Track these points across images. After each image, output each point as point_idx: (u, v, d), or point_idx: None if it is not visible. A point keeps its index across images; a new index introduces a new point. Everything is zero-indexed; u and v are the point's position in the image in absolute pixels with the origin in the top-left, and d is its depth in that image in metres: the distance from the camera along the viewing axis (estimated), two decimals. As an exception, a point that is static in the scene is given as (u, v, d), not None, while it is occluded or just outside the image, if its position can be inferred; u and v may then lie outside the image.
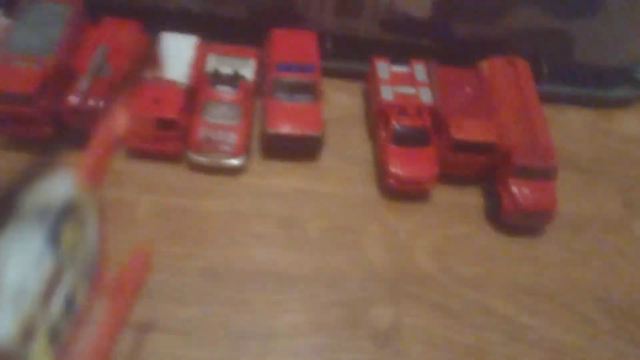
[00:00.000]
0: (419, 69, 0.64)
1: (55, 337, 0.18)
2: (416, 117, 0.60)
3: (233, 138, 0.58)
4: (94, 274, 0.20)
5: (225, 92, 0.60)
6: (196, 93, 0.60)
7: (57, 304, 0.18)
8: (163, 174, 0.58)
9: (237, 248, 0.55)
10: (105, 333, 0.20)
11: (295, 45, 0.64)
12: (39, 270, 0.18)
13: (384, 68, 0.64)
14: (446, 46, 0.68)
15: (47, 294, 0.18)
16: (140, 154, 0.58)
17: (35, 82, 0.53)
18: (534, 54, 0.69)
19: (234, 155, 0.58)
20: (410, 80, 0.63)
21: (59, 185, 0.20)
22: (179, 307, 0.50)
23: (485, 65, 0.66)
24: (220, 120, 0.59)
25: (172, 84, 0.59)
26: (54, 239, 0.19)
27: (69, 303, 0.18)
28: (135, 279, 0.22)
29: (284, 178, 0.60)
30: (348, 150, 0.63)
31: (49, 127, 0.56)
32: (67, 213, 0.19)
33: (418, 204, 0.60)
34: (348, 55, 0.68)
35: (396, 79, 0.63)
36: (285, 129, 0.59)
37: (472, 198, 0.62)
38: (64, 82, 0.57)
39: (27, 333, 0.17)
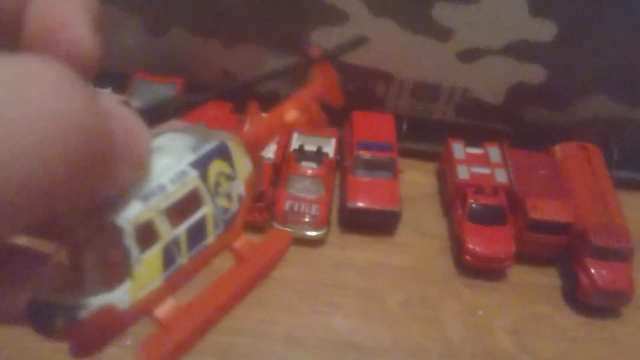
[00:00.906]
0: (493, 151, 0.67)
1: (169, 260, 0.17)
2: (493, 196, 0.62)
3: (316, 210, 0.61)
4: (228, 228, 0.19)
5: (310, 167, 0.64)
6: (281, 168, 0.65)
7: (182, 229, 0.17)
8: (248, 242, 0.61)
9: (318, 317, 0.56)
10: (219, 291, 0.19)
11: (374, 125, 0.68)
12: (180, 183, 0.17)
13: (459, 149, 0.67)
14: (518, 131, 0.71)
15: (177, 213, 0.17)
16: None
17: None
18: (605, 140, 0.71)
19: (317, 226, 0.61)
20: (485, 161, 0.66)
21: (219, 133, 0.20)
22: (263, 372, 0.51)
23: (557, 150, 0.68)
24: (304, 193, 0.63)
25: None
26: (201, 165, 0.18)
27: (195, 236, 0.18)
28: (270, 253, 0.20)
29: (362, 251, 0.62)
30: (423, 227, 0.66)
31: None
32: (219, 153, 0.19)
33: (495, 282, 0.61)
34: (422, 136, 0.72)
35: (471, 160, 0.66)
36: (365, 203, 0.62)
37: (548, 278, 0.62)
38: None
39: (144, 231, 0.16)
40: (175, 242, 0.17)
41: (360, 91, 0.70)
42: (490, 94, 0.69)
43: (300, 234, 0.61)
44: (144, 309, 0.17)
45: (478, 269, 0.60)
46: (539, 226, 0.60)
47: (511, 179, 0.64)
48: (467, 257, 0.59)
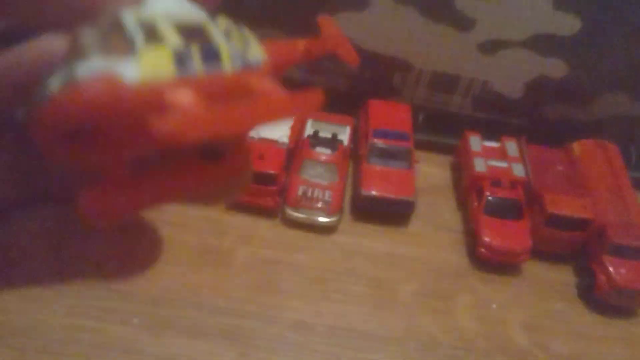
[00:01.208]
0: (510, 146, 0.66)
1: (180, 63, 0.15)
2: (510, 189, 0.61)
3: (329, 197, 0.60)
4: (247, 67, 0.16)
5: (324, 153, 0.63)
6: (295, 154, 0.64)
7: (193, 46, 0.15)
8: (259, 227, 0.60)
9: (328, 304, 0.55)
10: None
11: (390, 115, 0.67)
12: (187, 12, 0.16)
13: (476, 142, 0.66)
14: (535, 126, 0.70)
15: (184, 31, 0.15)
16: (240, 207, 0.61)
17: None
18: (624, 140, 0.69)
19: (329, 213, 0.60)
20: (502, 155, 0.65)
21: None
22: (271, 355, 0.50)
23: (575, 147, 0.67)
24: (318, 179, 0.61)
25: (274, 143, 0.62)
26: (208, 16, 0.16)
27: (208, 55, 0.15)
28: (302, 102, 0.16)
29: (374, 240, 0.61)
30: (437, 219, 0.64)
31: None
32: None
33: (509, 276, 0.59)
34: (438, 129, 0.70)
35: (488, 153, 0.65)
36: (379, 191, 0.61)
37: (563, 275, 0.61)
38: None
39: (148, 29, 0.15)
40: (185, 52, 0.15)
41: (376, 80, 0.69)
42: (509, 88, 0.68)
43: (312, 219, 0.60)
44: (154, 91, 0.14)
45: (492, 263, 0.59)
46: (556, 221, 0.58)
47: (529, 173, 0.63)
48: (482, 250, 0.58)
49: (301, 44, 0.21)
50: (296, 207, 0.60)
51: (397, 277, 0.58)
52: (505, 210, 0.60)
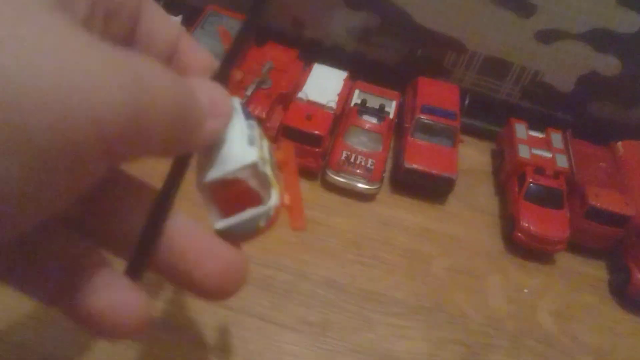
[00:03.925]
0: (556, 137, 0.65)
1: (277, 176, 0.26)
2: (553, 179, 0.60)
3: (371, 165, 0.60)
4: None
5: (370, 122, 0.63)
6: (341, 120, 0.64)
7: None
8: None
9: (361, 267, 0.55)
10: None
11: (439, 93, 0.67)
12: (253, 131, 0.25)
13: (521, 130, 0.65)
14: (579, 122, 0.70)
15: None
16: (281, 165, 0.61)
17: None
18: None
19: (370, 180, 0.60)
20: (547, 145, 0.64)
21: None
22: (301, 309, 0.50)
23: (619, 146, 0.66)
24: (362, 147, 0.62)
25: (322, 107, 0.63)
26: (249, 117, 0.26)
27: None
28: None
29: (411, 213, 0.61)
30: (474, 201, 0.64)
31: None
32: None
33: (543, 264, 0.59)
34: (482, 114, 0.70)
35: (533, 142, 0.64)
36: (422, 165, 0.61)
37: (596, 270, 0.60)
38: (228, 88, 0.61)
39: (263, 160, 0.24)
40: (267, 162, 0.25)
41: (428, 58, 0.69)
42: (560, 80, 0.68)
43: (352, 185, 0.60)
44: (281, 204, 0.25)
45: (528, 249, 0.59)
46: (596, 214, 0.58)
47: (572, 165, 0.63)
48: (519, 235, 0.58)
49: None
50: (338, 171, 0.60)
51: (430, 251, 0.58)
52: (546, 199, 0.60)
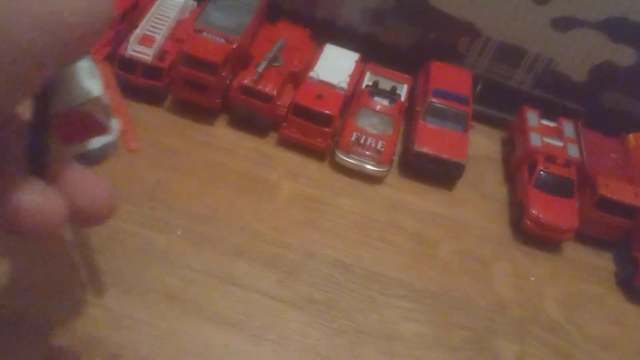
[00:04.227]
0: (567, 126, 0.65)
1: None
2: (563, 167, 0.60)
3: (381, 147, 0.60)
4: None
5: (382, 104, 0.62)
6: (352, 101, 0.63)
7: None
8: (308, 166, 0.60)
9: (368, 249, 0.55)
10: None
11: (451, 78, 0.66)
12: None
13: (533, 118, 0.65)
14: (591, 112, 0.69)
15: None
16: (291, 144, 0.61)
17: (222, 54, 0.57)
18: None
19: (379, 163, 0.59)
20: (558, 134, 0.64)
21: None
22: (308, 288, 0.50)
23: (631, 138, 0.66)
24: (372, 128, 0.61)
25: (333, 87, 0.62)
26: None
27: None
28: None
29: (419, 197, 0.61)
30: (483, 188, 0.64)
31: (219, 100, 0.59)
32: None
33: (550, 253, 0.59)
34: (494, 101, 0.70)
35: (545, 131, 0.64)
36: (432, 149, 0.60)
37: (603, 261, 0.60)
38: (239, 64, 0.61)
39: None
40: None
41: (441, 43, 0.68)
42: (573, 69, 0.67)
43: (361, 166, 0.59)
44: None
45: (536, 236, 0.58)
46: (606, 205, 0.58)
47: (583, 155, 0.62)
48: (528, 222, 0.58)
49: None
50: (347, 152, 0.60)
51: (438, 236, 0.58)
52: (556, 187, 0.59)
